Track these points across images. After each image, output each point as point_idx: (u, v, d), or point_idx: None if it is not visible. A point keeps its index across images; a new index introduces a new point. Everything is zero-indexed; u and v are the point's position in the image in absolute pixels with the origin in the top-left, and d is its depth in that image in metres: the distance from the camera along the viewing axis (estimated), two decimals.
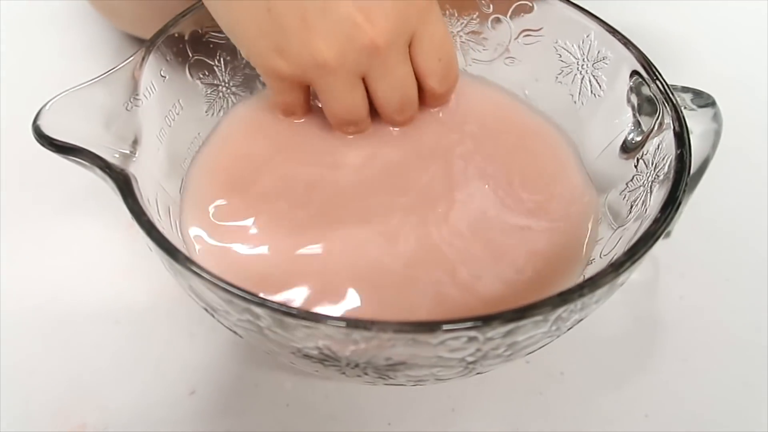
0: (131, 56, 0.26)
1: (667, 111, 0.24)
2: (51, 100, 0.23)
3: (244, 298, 0.18)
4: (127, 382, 0.29)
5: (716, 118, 0.26)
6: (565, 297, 0.19)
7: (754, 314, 0.32)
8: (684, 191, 0.21)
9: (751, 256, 0.34)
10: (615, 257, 0.21)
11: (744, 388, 0.30)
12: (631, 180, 0.26)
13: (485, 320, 0.18)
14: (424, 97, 0.29)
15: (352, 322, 0.18)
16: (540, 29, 0.30)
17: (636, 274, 0.33)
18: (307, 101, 0.29)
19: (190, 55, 0.29)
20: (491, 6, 0.30)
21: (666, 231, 0.33)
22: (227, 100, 0.31)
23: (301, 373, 0.29)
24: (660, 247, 0.33)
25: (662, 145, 0.24)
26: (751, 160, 0.39)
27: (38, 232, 0.34)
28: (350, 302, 0.25)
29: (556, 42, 0.30)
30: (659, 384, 0.30)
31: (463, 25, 0.32)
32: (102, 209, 0.35)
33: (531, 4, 0.29)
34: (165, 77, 0.27)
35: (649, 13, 0.48)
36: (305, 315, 0.18)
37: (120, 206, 0.23)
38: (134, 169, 0.23)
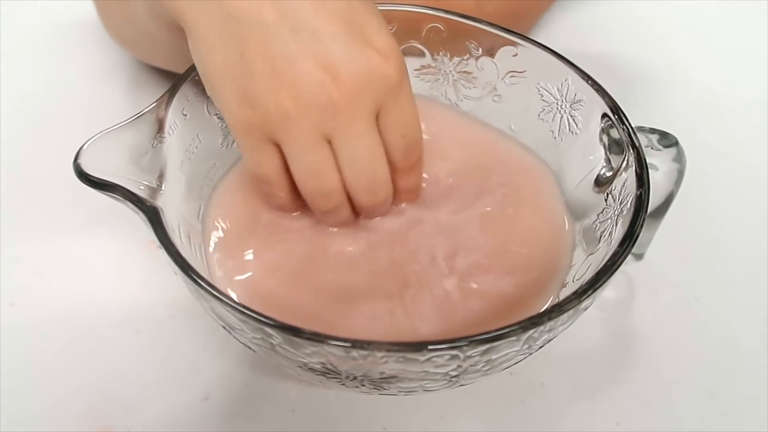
0: (156, 100, 0.28)
1: (631, 153, 0.27)
2: (87, 141, 0.26)
3: (259, 320, 0.21)
4: (147, 388, 0.31)
5: (678, 157, 0.29)
6: (535, 320, 0.22)
7: (721, 331, 0.34)
8: (641, 228, 0.24)
9: (719, 278, 0.36)
10: (582, 284, 0.23)
11: (708, 399, 0.32)
12: (602, 212, 0.29)
13: (465, 341, 0.21)
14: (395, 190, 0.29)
15: (352, 342, 0.21)
16: (524, 71, 0.32)
17: (612, 293, 0.36)
18: (285, 175, 0.28)
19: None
20: (480, 49, 0.33)
21: (640, 254, 0.36)
22: None
23: (305, 382, 0.31)
24: (635, 268, 0.36)
25: (627, 183, 0.27)
26: (720, 187, 0.41)
27: (64, 249, 0.36)
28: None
29: (538, 83, 0.32)
30: (631, 395, 0.32)
31: (455, 65, 0.34)
32: (122, 228, 0.36)
33: (516, 50, 0.32)
34: (186, 115, 0.29)
35: (643, 43, 0.50)
36: (311, 335, 0.21)
37: (138, 225, 0.25)
38: (161, 201, 0.26)
